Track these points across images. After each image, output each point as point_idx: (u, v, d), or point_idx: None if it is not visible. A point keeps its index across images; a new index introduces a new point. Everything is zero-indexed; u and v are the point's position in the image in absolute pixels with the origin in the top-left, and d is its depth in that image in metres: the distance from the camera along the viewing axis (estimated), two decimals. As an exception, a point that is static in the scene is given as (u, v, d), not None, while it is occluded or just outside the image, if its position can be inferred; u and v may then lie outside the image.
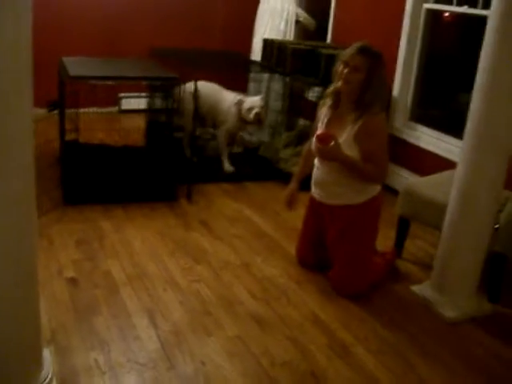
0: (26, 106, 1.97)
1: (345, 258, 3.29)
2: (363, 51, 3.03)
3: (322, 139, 3.04)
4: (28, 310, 2.22)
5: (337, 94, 3.19)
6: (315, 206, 3.41)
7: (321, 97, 5.09)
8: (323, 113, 3.28)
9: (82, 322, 2.85)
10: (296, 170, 3.64)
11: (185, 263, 3.51)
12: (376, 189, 3.26)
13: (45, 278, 3.13)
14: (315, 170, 3.34)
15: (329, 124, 3.20)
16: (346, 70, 3.04)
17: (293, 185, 3.50)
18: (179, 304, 3.09)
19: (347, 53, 3.07)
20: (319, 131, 3.13)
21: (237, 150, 5.55)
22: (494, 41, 2.85)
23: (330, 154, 3.07)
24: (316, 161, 3.32)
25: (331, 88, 3.22)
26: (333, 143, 3.02)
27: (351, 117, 3.09)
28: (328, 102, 3.27)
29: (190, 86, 4.63)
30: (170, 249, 3.67)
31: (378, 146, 3.08)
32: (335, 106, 3.23)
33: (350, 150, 3.06)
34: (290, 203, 3.50)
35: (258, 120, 4.92)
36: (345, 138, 3.08)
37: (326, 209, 3.32)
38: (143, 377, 2.51)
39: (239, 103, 4.95)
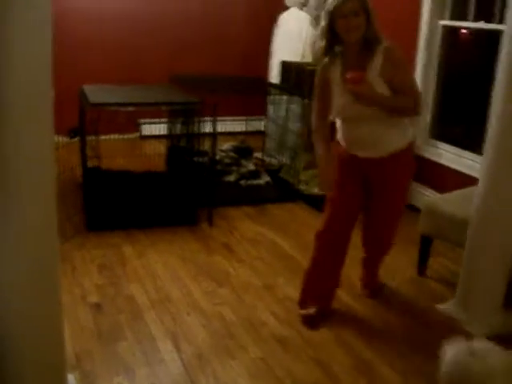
0: (46, 132, 2.00)
1: (387, 212, 3.21)
2: None
3: (355, 80, 2.83)
4: (52, 335, 2.23)
5: (334, 49, 2.99)
6: (355, 164, 3.12)
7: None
8: (330, 76, 3.03)
9: (107, 347, 2.87)
10: (319, 152, 3.12)
11: (207, 286, 3.52)
12: (411, 131, 3.10)
13: (68, 303, 3.16)
14: (349, 134, 3.08)
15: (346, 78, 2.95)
16: (348, 21, 2.82)
17: (327, 166, 3.07)
18: (202, 327, 3.09)
19: (339, 5, 2.81)
20: (349, 74, 2.87)
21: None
22: (509, 53, 2.84)
23: (366, 93, 2.85)
24: (345, 126, 3.08)
25: (322, 45, 2.98)
26: (365, 83, 2.85)
27: (366, 56, 2.91)
28: (326, 61, 3.04)
29: None
30: (192, 273, 3.68)
31: (405, 74, 2.96)
32: (341, 61, 2.99)
33: (380, 89, 2.88)
34: (329, 183, 3.07)
35: None
36: (370, 79, 2.88)
37: (371, 163, 3.06)
38: (167, 401, 2.51)
39: None
